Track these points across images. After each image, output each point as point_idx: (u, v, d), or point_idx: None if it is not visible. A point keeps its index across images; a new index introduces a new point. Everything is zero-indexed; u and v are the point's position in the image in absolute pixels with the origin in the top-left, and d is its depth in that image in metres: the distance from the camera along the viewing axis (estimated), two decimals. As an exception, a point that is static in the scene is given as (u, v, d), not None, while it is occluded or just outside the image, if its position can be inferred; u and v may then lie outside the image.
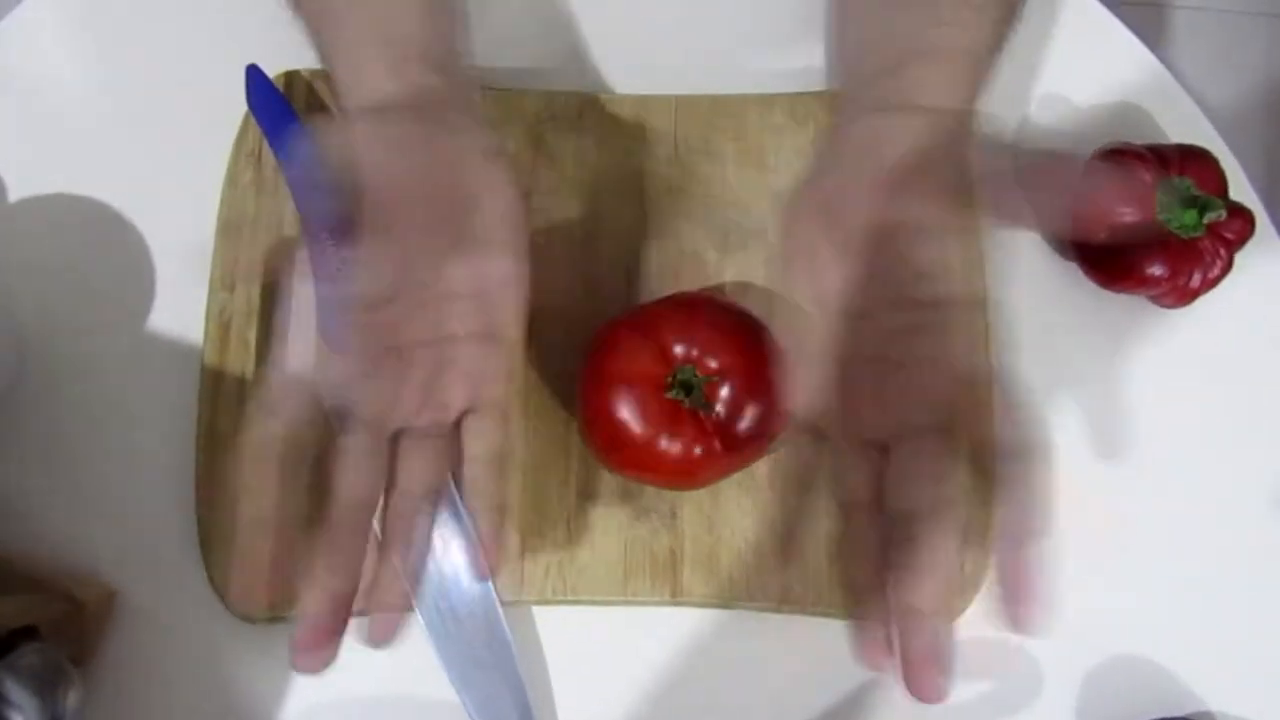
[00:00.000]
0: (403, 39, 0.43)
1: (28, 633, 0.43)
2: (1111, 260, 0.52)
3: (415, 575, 0.43)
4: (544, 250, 0.51)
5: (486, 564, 0.43)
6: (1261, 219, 0.53)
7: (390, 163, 0.40)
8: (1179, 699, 0.49)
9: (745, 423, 0.44)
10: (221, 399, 0.49)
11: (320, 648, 0.38)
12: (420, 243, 0.40)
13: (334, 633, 0.39)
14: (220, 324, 0.50)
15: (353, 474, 0.40)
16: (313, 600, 0.39)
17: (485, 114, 0.53)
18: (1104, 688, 0.49)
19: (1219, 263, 0.50)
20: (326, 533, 0.39)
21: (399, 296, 0.40)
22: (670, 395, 0.44)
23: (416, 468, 0.42)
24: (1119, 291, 0.53)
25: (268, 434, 0.38)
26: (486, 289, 0.42)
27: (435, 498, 0.43)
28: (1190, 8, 1.43)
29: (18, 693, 0.40)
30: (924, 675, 0.38)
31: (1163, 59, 0.57)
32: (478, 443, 0.43)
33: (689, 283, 0.51)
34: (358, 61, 0.43)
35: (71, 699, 0.42)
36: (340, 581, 0.39)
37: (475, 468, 0.43)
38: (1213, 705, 0.49)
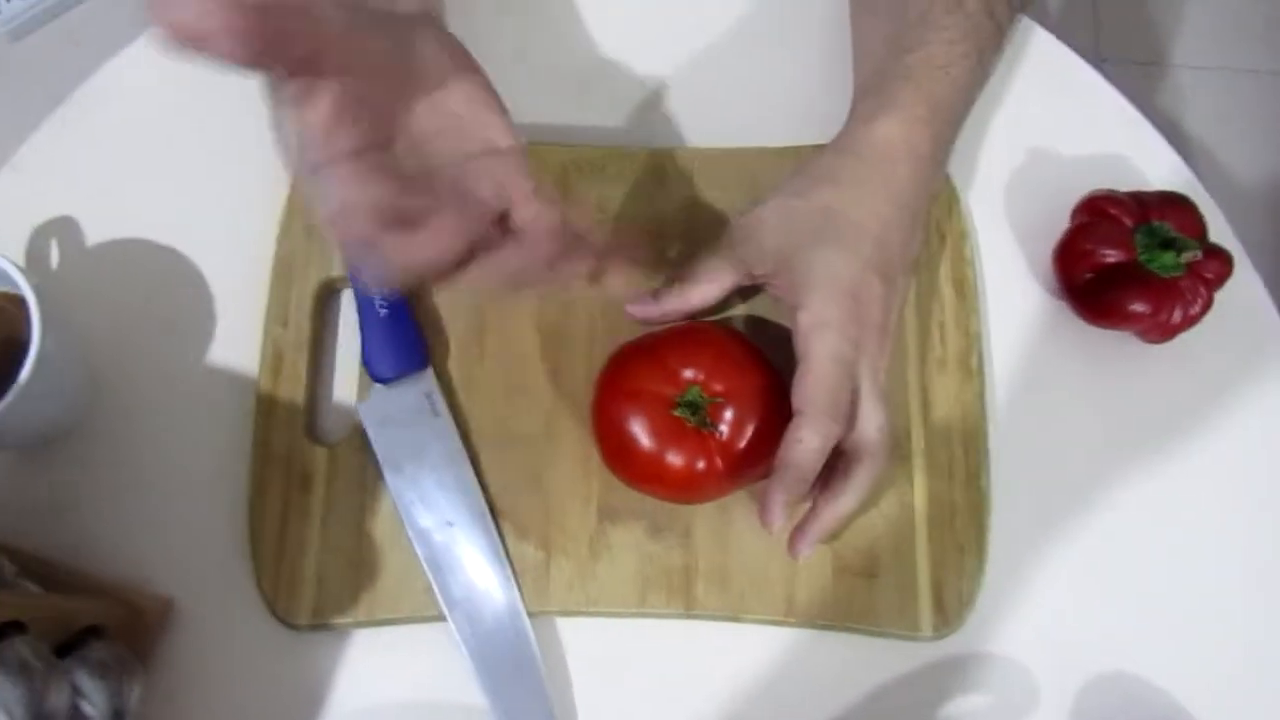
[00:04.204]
0: None
1: (95, 631, 0.46)
2: (1097, 298, 0.54)
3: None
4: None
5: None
6: (1241, 260, 0.55)
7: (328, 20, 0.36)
8: (1169, 712, 0.51)
9: (746, 443, 0.47)
10: (274, 422, 0.53)
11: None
12: (373, 87, 0.38)
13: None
14: (274, 355, 0.54)
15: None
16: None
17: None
18: (1096, 701, 0.51)
19: (1199, 301, 0.53)
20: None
21: (384, 144, 0.39)
22: (677, 413, 0.47)
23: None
24: (1105, 328, 0.55)
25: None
26: (459, 115, 0.41)
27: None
28: (1193, 67, 1.46)
29: (88, 684, 0.44)
30: None
31: (1168, 118, 0.60)
32: (537, 226, 0.41)
33: (701, 315, 0.54)
34: None
35: (136, 692, 0.46)
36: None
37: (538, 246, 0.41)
38: (1203, 718, 0.50)
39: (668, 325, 0.51)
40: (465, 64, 0.42)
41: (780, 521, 0.45)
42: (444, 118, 0.40)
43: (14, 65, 1.48)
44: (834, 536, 0.51)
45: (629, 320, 0.52)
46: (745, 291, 0.53)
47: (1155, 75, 1.45)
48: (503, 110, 0.42)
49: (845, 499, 0.46)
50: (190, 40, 0.31)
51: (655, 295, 0.51)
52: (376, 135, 0.38)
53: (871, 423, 0.46)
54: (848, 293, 0.47)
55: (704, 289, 0.50)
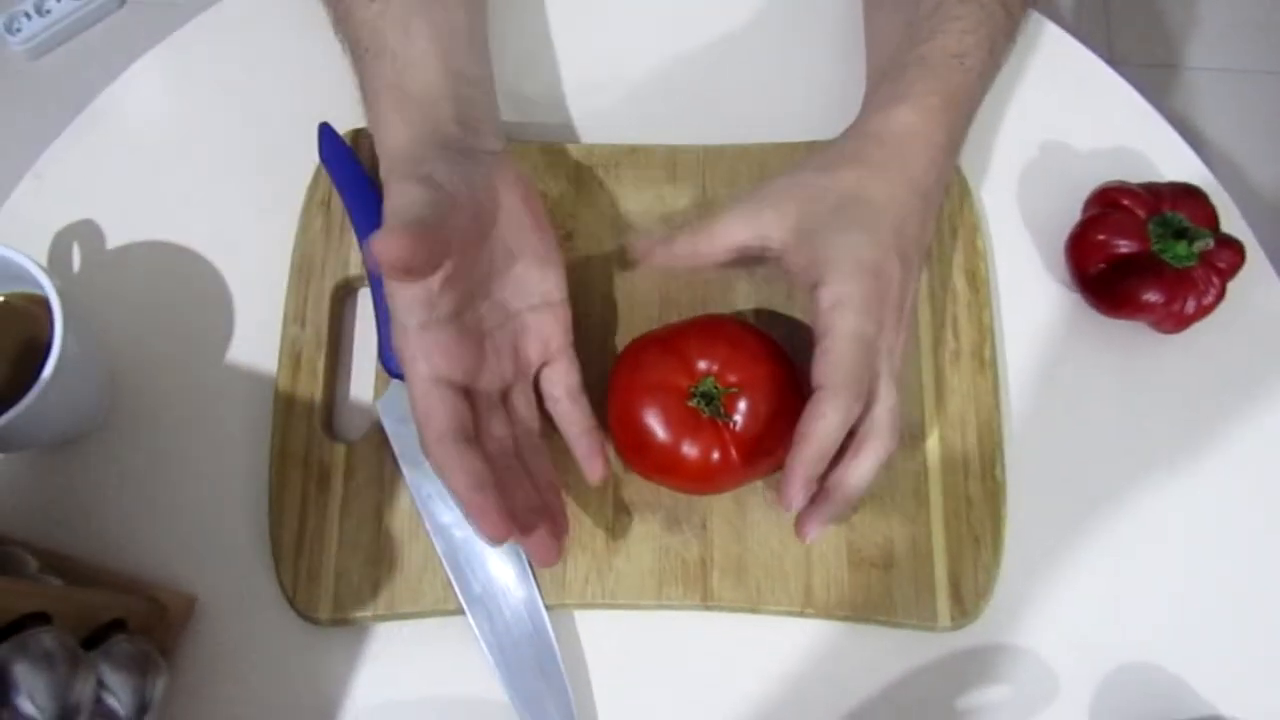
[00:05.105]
0: (420, 92, 0.50)
1: (119, 626, 0.47)
2: (1111, 289, 0.54)
3: (555, 490, 0.50)
4: (584, 281, 0.56)
5: (597, 471, 0.50)
6: (1254, 250, 0.56)
7: (433, 206, 0.44)
8: (1188, 703, 0.50)
9: (761, 433, 0.47)
10: (293, 421, 0.53)
11: (552, 550, 0.47)
12: (474, 261, 0.47)
13: (558, 534, 0.48)
14: (292, 355, 0.55)
15: (499, 424, 0.48)
16: (533, 533, 0.47)
17: (533, 162, 0.58)
18: (1116, 693, 0.50)
19: (1212, 290, 0.53)
20: (513, 467, 0.48)
21: (472, 301, 0.47)
22: (691, 404, 0.48)
23: (522, 410, 0.50)
24: (1119, 318, 0.55)
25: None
26: (529, 272, 0.49)
27: (538, 429, 0.51)
28: (1207, 69, 1.45)
29: (113, 677, 0.44)
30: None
31: (1182, 120, 0.61)
32: (558, 386, 0.50)
33: (715, 309, 0.55)
34: (381, 111, 0.50)
35: (159, 686, 0.46)
36: (543, 494, 0.49)
37: (562, 404, 0.50)
38: (1222, 709, 0.50)
39: (679, 317, 0.51)
40: (538, 219, 0.50)
41: (801, 500, 0.45)
42: (517, 272, 0.49)
43: (35, 81, 1.51)
44: (841, 520, 0.51)
45: (639, 303, 0.53)
46: (751, 269, 0.53)
47: (1169, 78, 1.45)
48: (560, 262, 0.50)
49: (854, 480, 0.46)
50: (403, 270, 0.41)
51: (668, 238, 0.51)
52: (471, 296, 0.47)
53: (884, 404, 0.46)
54: (870, 271, 0.46)
55: (716, 240, 0.49)
